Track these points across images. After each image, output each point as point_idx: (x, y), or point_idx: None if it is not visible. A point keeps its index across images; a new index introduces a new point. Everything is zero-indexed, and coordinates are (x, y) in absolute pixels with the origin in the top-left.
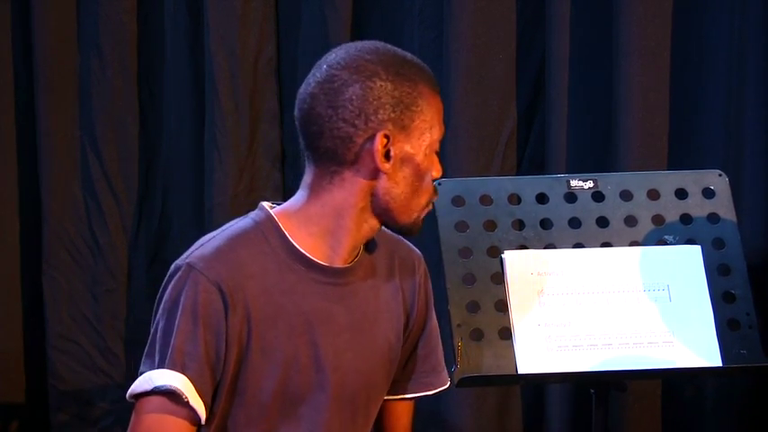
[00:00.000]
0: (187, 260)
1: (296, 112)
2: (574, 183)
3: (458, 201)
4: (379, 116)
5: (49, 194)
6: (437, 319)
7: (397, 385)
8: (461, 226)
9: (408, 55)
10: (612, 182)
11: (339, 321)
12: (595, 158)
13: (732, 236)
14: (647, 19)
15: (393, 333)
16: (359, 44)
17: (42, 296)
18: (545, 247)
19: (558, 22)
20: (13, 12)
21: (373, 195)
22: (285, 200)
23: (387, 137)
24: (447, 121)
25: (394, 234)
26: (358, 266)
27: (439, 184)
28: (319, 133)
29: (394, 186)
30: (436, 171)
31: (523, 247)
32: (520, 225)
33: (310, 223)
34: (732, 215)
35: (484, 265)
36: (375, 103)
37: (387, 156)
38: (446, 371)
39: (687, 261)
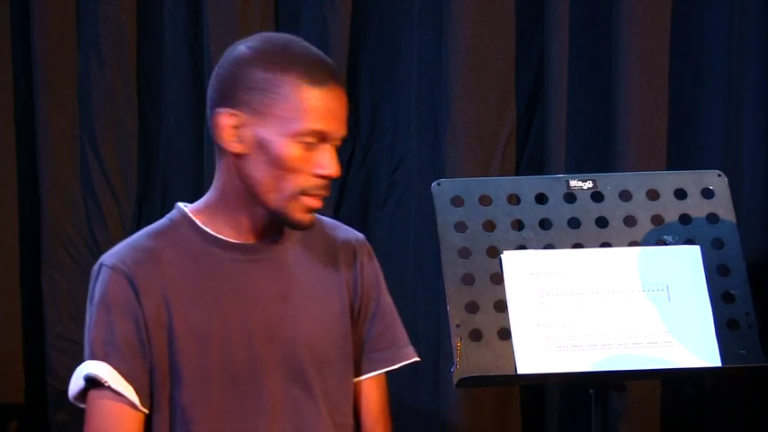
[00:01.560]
0: (99, 261)
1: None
2: (573, 183)
3: (457, 201)
4: (238, 97)
5: (49, 194)
6: (436, 317)
7: (359, 366)
8: (460, 226)
9: (298, 46)
10: (612, 182)
11: (266, 293)
12: (595, 159)
13: (731, 236)
14: (647, 19)
15: (338, 307)
16: (259, 35)
17: (41, 296)
18: (544, 248)
19: (557, 22)
20: (13, 11)
21: (240, 178)
22: None
23: (233, 115)
24: (446, 121)
25: (334, 221)
26: (281, 242)
27: (438, 184)
28: (208, 118)
29: (253, 170)
30: (320, 168)
31: (523, 247)
32: (519, 225)
33: (217, 210)
34: (731, 215)
35: (483, 265)
36: (234, 85)
37: (240, 139)
38: (411, 346)
39: (686, 261)
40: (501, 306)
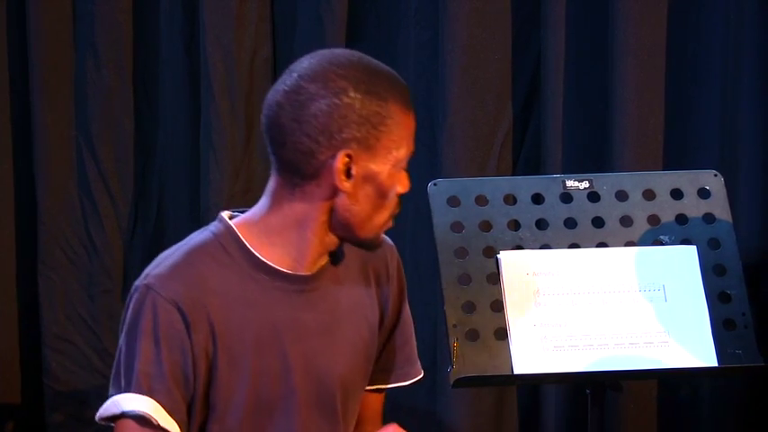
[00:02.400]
0: (145, 281)
1: (262, 117)
2: (569, 183)
3: (453, 201)
4: (344, 134)
5: (45, 194)
6: (434, 317)
7: (373, 376)
8: (457, 226)
9: (384, 69)
10: (608, 182)
11: (308, 327)
12: (591, 158)
13: (727, 236)
14: (643, 19)
15: (367, 329)
16: (333, 54)
17: (38, 296)
18: (541, 248)
19: (554, 23)
20: (9, 11)
21: (333, 211)
22: None
23: (349, 156)
24: (443, 121)
25: None
26: (324, 270)
27: (435, 184)
28: (282, 144)
29: (354, 203)
30: (402, 187)
31: (519, 247)
32: (515, 225)
33: (272, 234)
34: (727, 215)
35: (479, 265)
36: (340, 121)
37: (348, 174)
38: (419, 362)
39: (683, 261)
40: (498, 306)
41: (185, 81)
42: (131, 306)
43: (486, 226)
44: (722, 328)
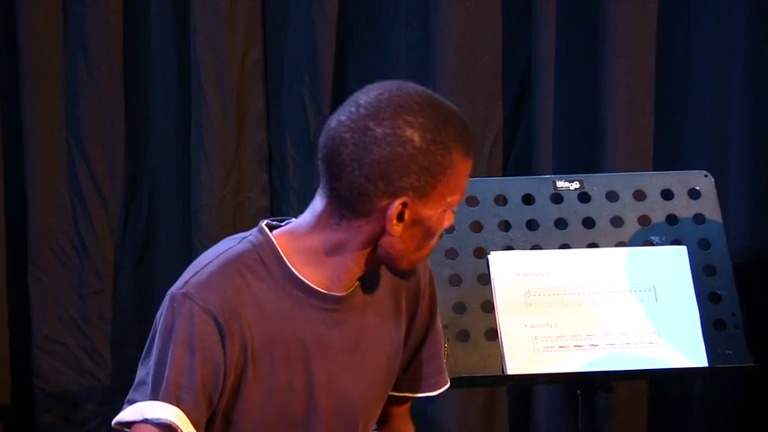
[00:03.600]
0: (182, 289)
1: (321, 144)
2: (560, 183)
3: None
4: (403, 182)
5: (36, 195)
6: None
7: (402, 384)
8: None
9: (451, 113)
10: (599, 183)
11: (334, 345)
12: (581, 159)
13: (718, 236)
14: (633, 20)
15: (392, 346)
16: (402, 92)
17: (28, 297)
18: (531, 248)
19: (544, 23)
20: None
21: (377, 246)
22: (272, 202)
23: (404, 204)
24: None
25: None
26: (356, 291)
27: None
28: (339, 178)
29: (399, 242)
30: (447, 224)
31: (510, 247)
32: (506, 226)
33: (311, 254)
34: (718, 216)
35: (470, 265)
36: (401, 170)
37: (400, 218)
38: (446, 371)
39: (673, 261)
40: (488, 307)
41: (176, 82)
42: (167, 313)
43: (477, 227)
44: (712, 329)
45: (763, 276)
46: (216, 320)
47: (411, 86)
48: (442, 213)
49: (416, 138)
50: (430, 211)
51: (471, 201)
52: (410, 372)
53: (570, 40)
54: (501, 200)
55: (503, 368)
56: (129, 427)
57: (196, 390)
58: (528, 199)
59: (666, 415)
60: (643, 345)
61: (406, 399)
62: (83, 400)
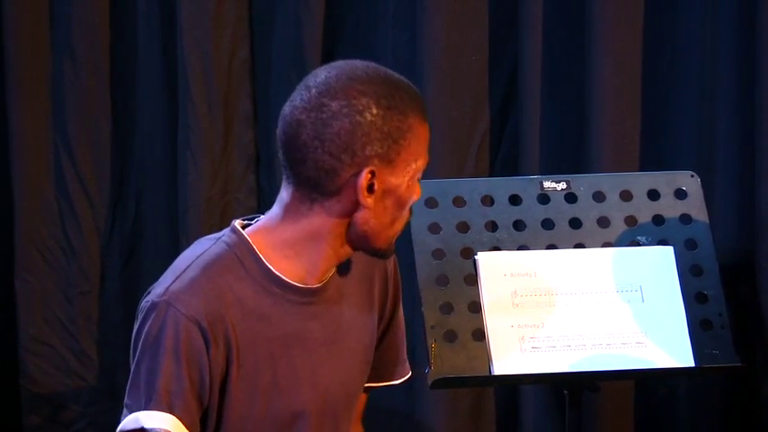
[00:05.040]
0: (164, 297)
1: (279, 132)
2: (547, 184)
3: (431, 202)
4: (366, 152)
5: (22, 196)
6: (410, 318)
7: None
8: (434, 227)
9: (402, 81)
10: (585, 183)
11: (314, 338)
12: (568, 160)
13: (704, 237)
14: (620, 20)
15: (368, 335)
16: (351, 67)
17: (15, 298)
18: (518, 249)
19: (531, 24)
20: None
21: (351, 224)
22: (259, 203)
23: (372, 173)
24: None
25: None
26: (331, 281)
27: None
28: (302, 161)
29: (373, 217)
30: (416, 195)
31: (497, 248)
32: (493, 226)
33: (285, 246)
34: (704, 216)
35: (457, 266)
36: (363, 138)
37: (371, 189)
38: (407, 362)
39: (660, 262)
40: (475, 307)
41: (163, 82)
42: (151, 321)
43: (464, 227)
44: (699, 329)
45: (750, 276)
46: (200, 327)
47: (357, 61)
48: (410, 181)
49: (372, 105)
50: (398, 180)
51: (458, 201)
52: (375, 360)
53: (557, 41)
54: (488, 200)
55: (490, 368)
56: None
57: (186, 394)
58: (515, 199)
59: (653, 415)
60: (630, 345)
61: (366, 390)
62: (70, 402)
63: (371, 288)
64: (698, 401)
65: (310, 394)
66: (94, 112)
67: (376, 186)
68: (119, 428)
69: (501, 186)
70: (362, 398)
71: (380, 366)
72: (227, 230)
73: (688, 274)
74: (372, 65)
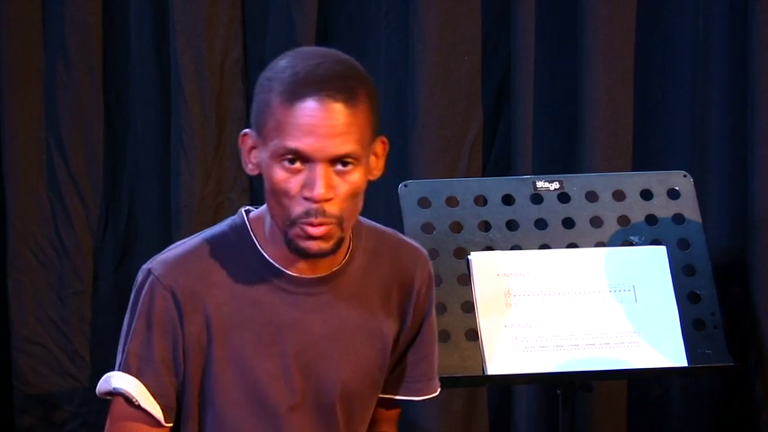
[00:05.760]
0: (149, 265)
1: None
2: (540, 184)
3: (424, 202)
4: (252, 119)
5: (14, 196)
6: None
7: (386, 385)
8: (427, 227)
9: (319, 66)
10: (578, 183)
11: (313, 330)
12: (561, 160)
13: (697, 236)
14: (612, 21)
15: (381, 342)
16: (296, 48)
17: (7, 298)
18: (511, 249)
19: (523, 24)
20: None
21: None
22: (252, 202)
23: (246, 136)
24: (413, 122)
25: (400, 236)
26: (337, 276)
27: (405, 185)
28: None
29: (265, 195)
30: (305, 189)
31: (490, 248)
32: (486, 226)
33: (273, 231)
34: (697, 216)
35: (450, 266)
36: (253, 107)
37: (253, 161)
38: (437, 378)
39: (652, 262)
40: (468, 307)
41: (156, 83)
42: (135, 287)
43: (457, 227)
44: (692, 329)
45: (743, 276)
46: (174, 297)
47: (314, 46)
48: (270, 161)
49: (263, 78)
50: (265, 156)
51: (451, 201)
52: (395, 373)
53: (550, 41)
54: (481, 200)
55: (483, 368)
56: (111, 397)
57: (155, 362)
58: (508, 199)
59: (646, 414)
60: (623, 345)
61: (392, 402)
62: (62, 402)
63: (389, 298)
64: (691, 401)
65: (302, 384)
66: (87, 112)
67: (257, 158)
68: (96, 389)
69: (494, 186)
70: (393, 408)
71: (402, 381)
72: (236, 215)
73: (681, 273)
74: (319, 48)
